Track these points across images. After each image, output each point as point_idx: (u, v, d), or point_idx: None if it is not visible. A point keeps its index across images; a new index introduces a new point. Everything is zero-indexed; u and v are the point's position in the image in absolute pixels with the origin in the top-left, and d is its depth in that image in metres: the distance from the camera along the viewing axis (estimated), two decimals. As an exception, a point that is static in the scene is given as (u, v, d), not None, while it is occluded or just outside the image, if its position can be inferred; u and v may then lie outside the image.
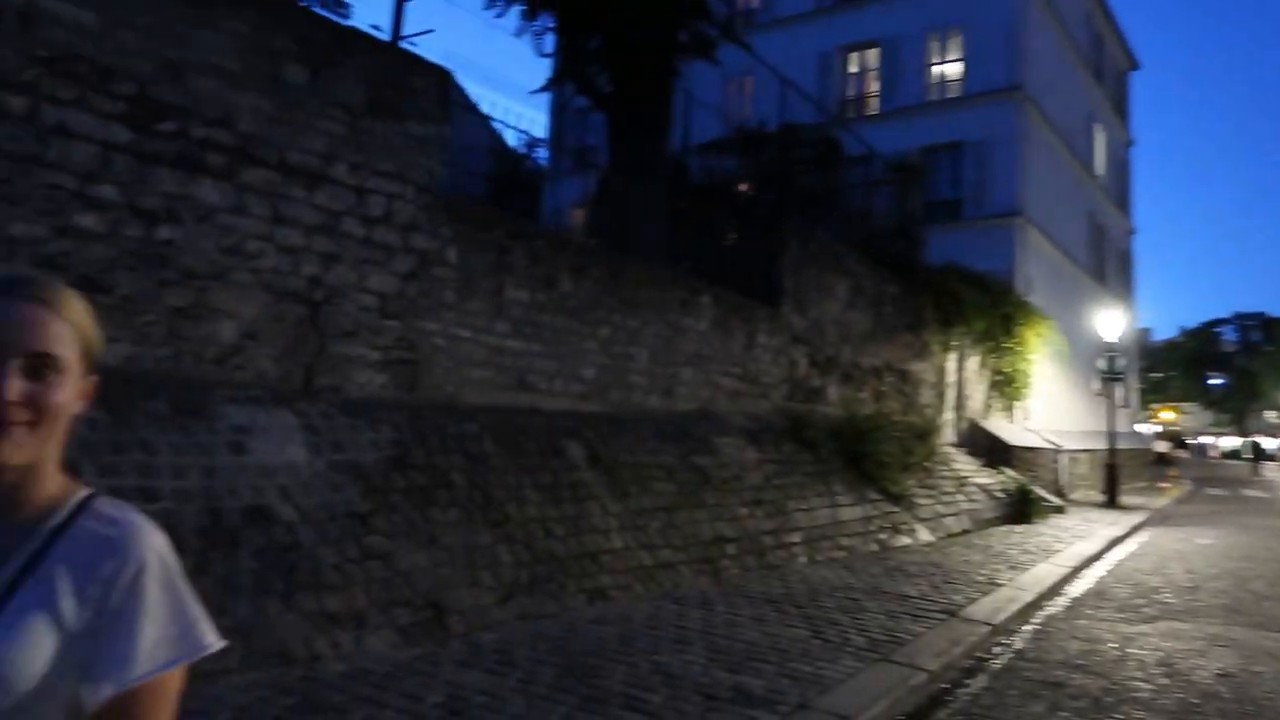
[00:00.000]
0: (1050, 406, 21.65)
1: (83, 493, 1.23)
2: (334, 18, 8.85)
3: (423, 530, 6.18)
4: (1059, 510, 16.30)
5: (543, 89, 15.56)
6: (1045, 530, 13.63)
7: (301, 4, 8.99)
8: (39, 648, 1.10)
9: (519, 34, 12.25)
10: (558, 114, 20.71)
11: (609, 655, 5.54)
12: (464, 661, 5.18)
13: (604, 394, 9.34)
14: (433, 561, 6.03)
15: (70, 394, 1.17)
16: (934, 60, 23.52)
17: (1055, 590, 9.18)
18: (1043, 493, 16.24)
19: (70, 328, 1.17)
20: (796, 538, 9.72)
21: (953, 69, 23.25)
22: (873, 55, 24.51)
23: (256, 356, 6.25)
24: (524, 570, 6.58)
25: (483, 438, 7.40)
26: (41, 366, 1.14)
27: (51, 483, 1.20)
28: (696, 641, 5.99)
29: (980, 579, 8.99)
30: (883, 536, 11.00)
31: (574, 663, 5.32)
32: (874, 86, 24.47)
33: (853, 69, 24.87)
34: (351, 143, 6.76)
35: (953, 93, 23.06)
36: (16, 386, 1.11)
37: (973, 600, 7.87)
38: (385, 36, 7.62)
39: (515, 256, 8.28)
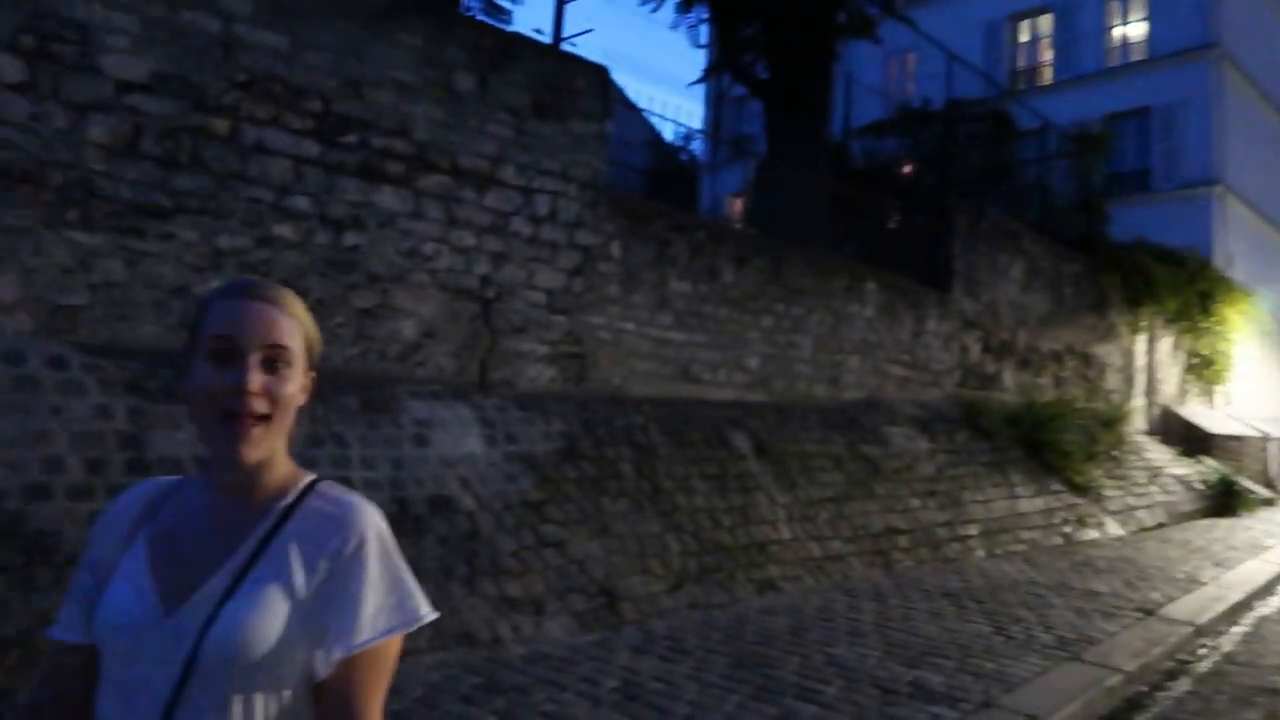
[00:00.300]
0: (1256, 391, 19.88)
1: (309, 477, 1.33)
2: (497, 24, 9.15)
3: (594, 519, 6.33)
4: (1268, 503, 14.97)
5: (699, 80, 15.59)
6: (1253, 525, 12.55)
7: (467, 13, 9.36)
8: (275, 614, 1.20)
9: (674, 26, 12.35)
10: (714, 104, 20.67)
11: (780, 646, 5.50)
12: (637, 648, 5.28)
13: (768, 384, 9.27)
14: (605, 550, 6.16)
15: (298, 387, 1.28)
16: (1114, 22, 21.98)
17: (1268, 590, 8.44)
18: (1249, 484, 14.95)
19: (297, 325, 1.28)
20: (973, 530, 9.35)
21: (1136, 30, 21.65)
22: (1045, 22, 23.14)
23: (435, 353, 6.57)
24: (692, 559, 6.63)
25: (649, 429, 7.49)
26: (275, 360, 1.24)
27: (282, 468, 1.31)
28: (870, 634, 5.87)
29: (1179, 576, 8.38)
30: (1067, 530, 10.43)
31: (745, 652, 5.32)
32: (1047, 55, 23.12)
33: (1023, 38, 23.57)
34: (518, 144, 6.99)
35: (1137, 55, 21.47)
36: (258, 379, 1.22)
37: (1172, 599, 7.35)
38: (547, 39, 7.82)
39: (677, 249, 8.33)
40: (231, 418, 1.22)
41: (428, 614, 1.30)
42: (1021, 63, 23.55)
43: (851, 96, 14.85)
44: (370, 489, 5.38)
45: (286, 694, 1.21)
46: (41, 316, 4.92)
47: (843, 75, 13.20)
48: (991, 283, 12.68)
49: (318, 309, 5.90)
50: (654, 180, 18.59)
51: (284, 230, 5.78)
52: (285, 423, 1.27)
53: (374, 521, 1.30)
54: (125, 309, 5.20)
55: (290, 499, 1.29)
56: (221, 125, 5.51)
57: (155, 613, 1.21)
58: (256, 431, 1.23)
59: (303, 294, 5.83)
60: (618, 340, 7.81)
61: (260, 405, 1.22)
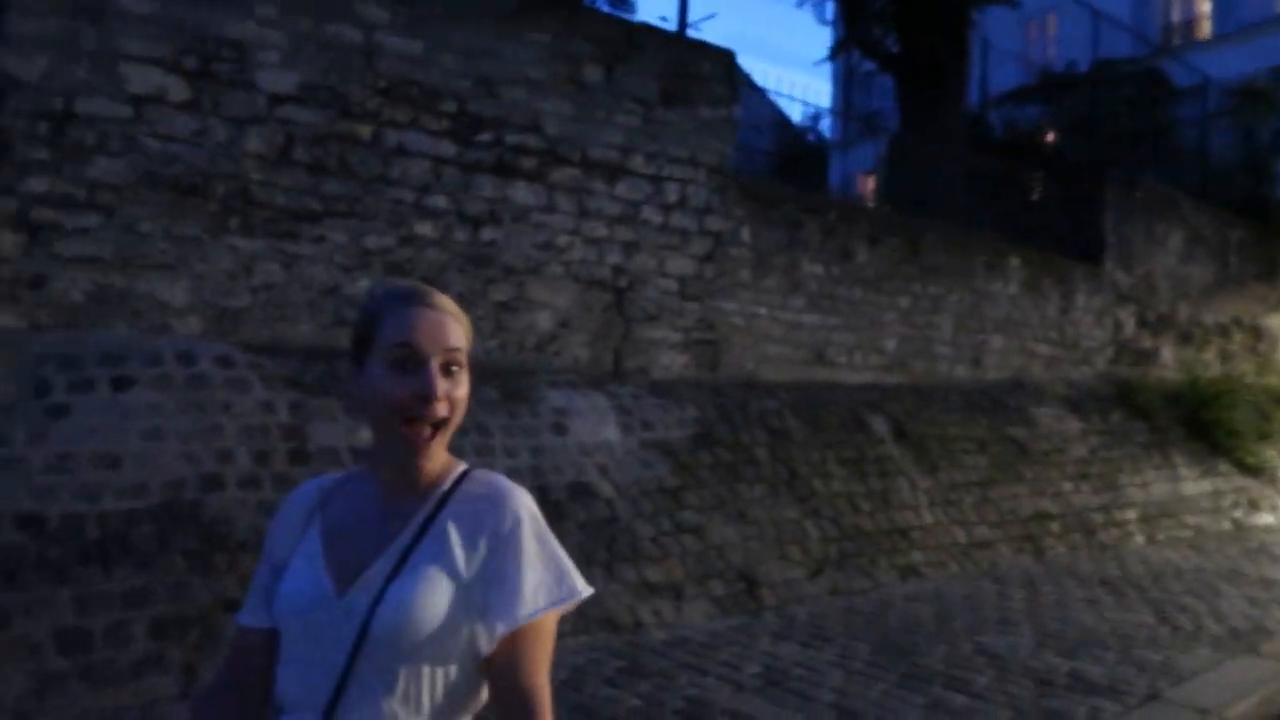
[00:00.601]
0: None
1: (463, 465, 1.39)
2: (622, 15, 9.21)
3: (731, 505, 6.33)
4: None
5: (826, 58, 15.28)
6: None
7: (593, 7, 9.46)
8: (438, 591, 1.26)
9: (800, 4, 12.12)
10: (843, 81, 20.21)
11: (926, 634, 5.37)
12: (778, 634, 5.26)
13: (906, 366, 9.04)
14: (742, 535, 6.16)
15: (469, 387, 1.34)
16: (1282, -34, 20.27)
17: None
18: None
19: (463, 329, 1.34)
20: (1131, 514, 8.87)
21: (1307, -27, 19.91)
22: (1202, -29, 21.58)
23: (570, 343, 6.70)
24: (832, 545, 6.55)
25: (784, 414, 7.43)
26: (451, 364, 1.31)
27: (440, 458, 1.37)
28: (1022, 623, 5.66)
29: (1369, 564, 7.73)
30: (1237, 514, 9.76)
31: (890, 640, 5.22)
32: (1204, 6, 21.55)
33: (1177, -10, 22.06)
34: (646, 134, 7.03)
35: (1308, 1, 19.75)
36: (441, 385, 1.28)
37: (1361, 588, 6.78)
38: (672, 27, 7.82)
39: (808, 231, 8.21)
40: (412, 423, 1.29)
41: (584, 589, 1.34)
42: (1175, 16, 22.04)
43: (988, 64, 14.24)
44: (512, 476, 5.49)
45: (452, 669, 1.28)
46: (210, 318, 5.28)
47: (978, 43, 12.68)
48: (1147, 254, 11.95)
49: (458, 303, 6.11)
50: (782, 162, 18.35)
51: (425, 229, 6.01)
52: (458, 423, 1.33)
53: (527, 503, 1.35)
54: (283, 309, 5.52)
55: (447, 485, 1.35)
56: (365, 130, 5.76)
57: (328, 595, 1.29)
58: (436, 436, 1.30)
59: (444, 289, 6.05)
60: (750, 325, 7.77)
61: (442, 410, 1.29)
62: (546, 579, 1.31)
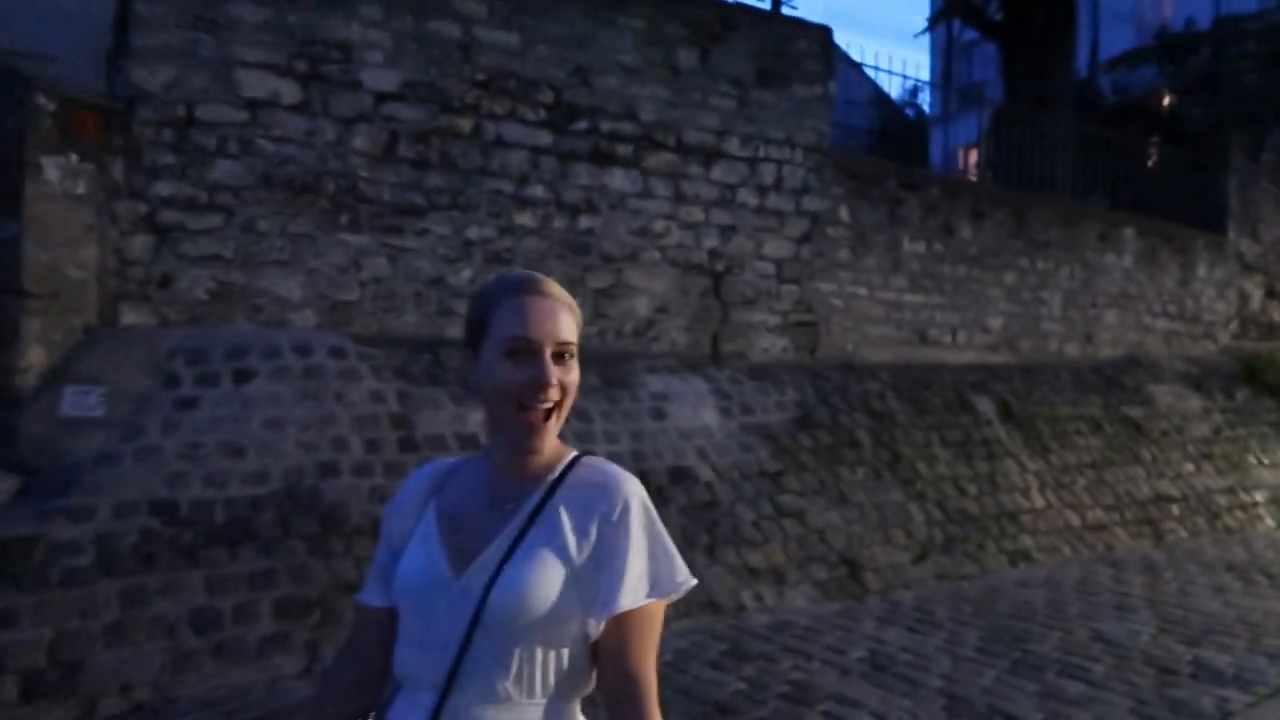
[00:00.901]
0: None
1: (573, 452, 1.43)
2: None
3: (832, 489, 6.27)
4: None
5: (926, 29, 14.84)
6: None
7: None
8: (549, 574, 1.30)
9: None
10: (943, 53, 19.60)
11: (1038, 620, 5.24)
12: (883, 618, 5.20)
13: (1013, 344, 8.77)
14: (844, 519, 6.10)
15: (579, 373, 1.37)
16: None
17: None
18: None
19: (574, 316, 1.37)
20: (1259, 497, 8.44)
21: None
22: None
23: (668, 328, 6.72)
24: (937, 529, 6.42)
25: (886, 395, 7.31)
26: (563, 353, 1.35)
27: (553, 443, 1.41)
28: (1141, 609, 5.46)
29: None
30: (1380, 496, 9.16)
31: (1000, 626, 5.11)
32: (1340, -48, 20.07)
33: (1309, -64, 20.59)
34: (741, 115, 6.98)
35: None
36: (554, 371, 1.32)
37: None
38: (766, 6, 7.74)
39: (909, 208, 8.03)
40: (526, 410, 1.33)
41: (688, 580, 1.36)
42: (1306, -35, 20.59)
43: (1098, 27, 13.61)
44: (613, 461, 5.60)
45: (564, 651, 1.32)
46: (323, 312, 5.50)
47: (1086, 5, 12.12)
48: (1276, 221, 11.28)
49: (558, 291, 6.20)
50: (880, 139, 17.94)
51: (524, 219, 6.11)
52: (569, 408, 1.37)
53: (636, 490, 1.38)
54: (390, 301, 5.70)
55: (559, 471, 1.39)
56: (464, 124, 5.89)
57: (445, 575, 1.34)
58: (549, 422, 1.34)
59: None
60: (850, 306, 7.66)
61: (554, 395, 1.34)
62: (652, 568, 1.33)
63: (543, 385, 1.32)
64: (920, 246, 8.09)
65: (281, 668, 3.91)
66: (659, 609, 1.34)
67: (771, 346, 7.21)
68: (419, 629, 1.36)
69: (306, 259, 5.44)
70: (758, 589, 5.35)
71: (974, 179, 11.50)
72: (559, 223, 6.24)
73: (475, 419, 5.37)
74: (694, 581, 1.37)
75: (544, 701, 1.32)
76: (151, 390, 4.64)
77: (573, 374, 1.36)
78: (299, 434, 4.77)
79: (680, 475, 5.76)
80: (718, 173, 6.91)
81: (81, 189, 4.78)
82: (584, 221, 6.33)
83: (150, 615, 3.85)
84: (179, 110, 5.09)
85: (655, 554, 1.34)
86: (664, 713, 1.32)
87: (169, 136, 5.07)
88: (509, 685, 1.29)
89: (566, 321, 1.36)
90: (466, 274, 5.93)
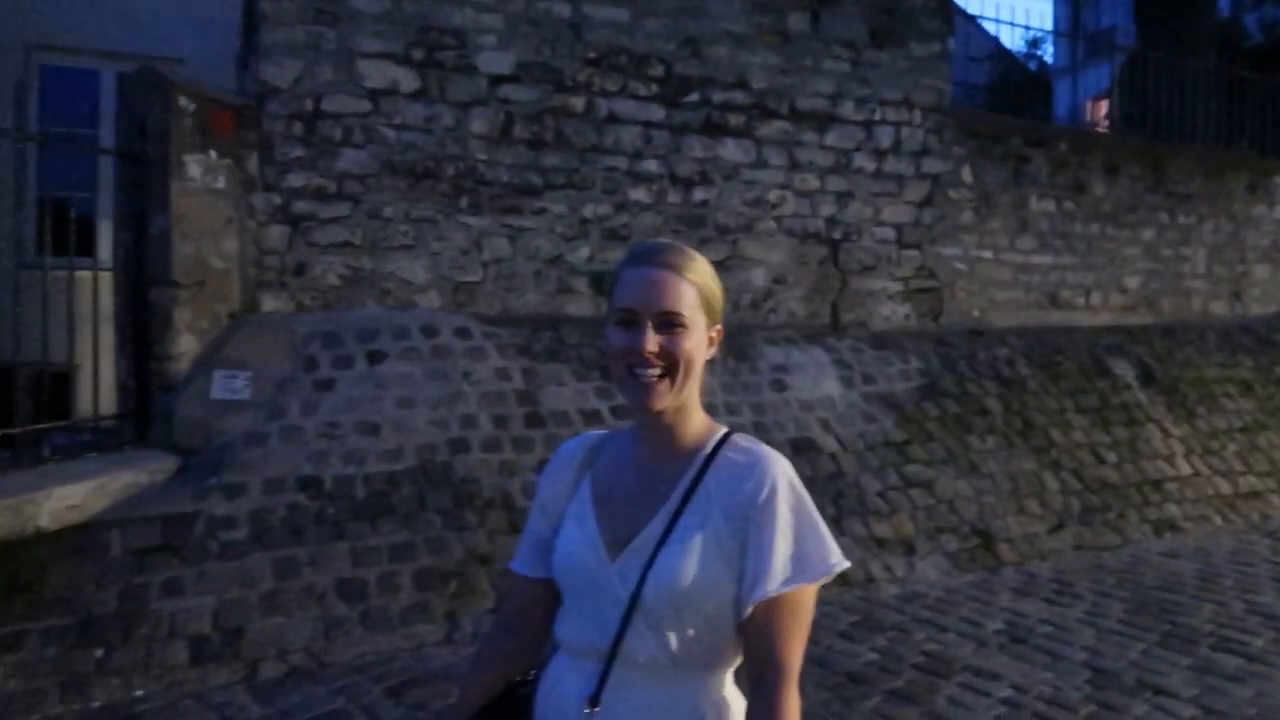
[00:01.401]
0: None
1: (722, 430, 1.43)
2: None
3: (961, 458, 6.10)
4: None
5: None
6: None
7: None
8: (702, 560, 1.31)
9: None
10: None
11: (1188, 592, 4.98)
12: (1019, 590, 5.04)
13: (1153, 304, 8.31)
14: (975, 489, 5.93)
15: (694, 344, 1.36)
16: None
17: None
18: None
19: (693, 288, 1.36)
20: None
21: None
22: None
23: (786, 299, 6.64)
24: (1074, 499, 6.17)
25: (1015, 361, 7.05)
26: (669, 322, 1.34)
27: (698, 421, 1.41)
28: (1303, 582, 5.13)
29: None
30: None
31: (1146, 598, 4.89)
32: None
33: None
34: (856, 78, 6.80)
35: None
36: (653, 340, 1.33)
37: None
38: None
39: (1035, 165, 7.68)
40: (635, 376, 1.34)
41: (839, 564, 1.34)
42: None
43: (1241, -39, 12.68)
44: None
45: (718, 628, 1.33)
46: (447, 293, 5.65)
47: (1229, -62, 11.30)
48: None
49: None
50: (1000, 95, 17.22)
51: (639, 194, 6.12)
52: (687, 377, 1.36)
53: (784, 470, 1.36)
54: (511, 281, 5.82)
55: (708, 450, 1.39)
56: (577, 102, 5.93)
57: (602, 556, 1.37)
58: (659, 385, 1.34)
59: (659, 252, 6.16)
60: (975, 270, 7.40)
61: (656, 363, 1.33)
62: (800, 552, 1.31)
63: (638, 352, 1.32)
64: (1049, 205, 7.74)
65: (424, 635, 4.07)
66: (808, 593, 1.32)
67: (893, 314, 7.04)
68: (579, 604, 1.41)
69: (430, 242, 5.59)
70: (886, 560, 5.26)
71: (1106, 131, 10.91)
72: (673, 196, 6.23)
73: (597, 394, 5.44)
74: (846, 564, 1.35)
75: (700, 672, 1.35)
76: (291, 373, 4.88)
77: (684, 343, 1.34)
78: (429, 412, 4.93)
79: (803, 447, 5.70)
80: (832, 138, 6.76)
81: (221, 184, 5.04)
82: (698, 194, 6.30)
83: (301, 585, 4.06)
84: (306, 104, 5.29)
85: (804, 536, 1.32)
86: (798, 683, 1.31)
87: (298, 130, 5.28)
88: (666, 659, 1.33)
89: (676, 291, 1.34)
90: (584, 252, 5.99)
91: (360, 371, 4.98)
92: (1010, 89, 17.47)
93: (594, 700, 1.34)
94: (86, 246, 6.48)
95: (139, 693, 3.59)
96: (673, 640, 1.32)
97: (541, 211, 5.86)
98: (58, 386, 5.76)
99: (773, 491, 1.32)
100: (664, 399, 1.35)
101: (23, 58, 7.15)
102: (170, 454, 4.47)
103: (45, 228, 4.96)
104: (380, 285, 5.48)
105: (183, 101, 4.89)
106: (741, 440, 1.41)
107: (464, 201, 5.66)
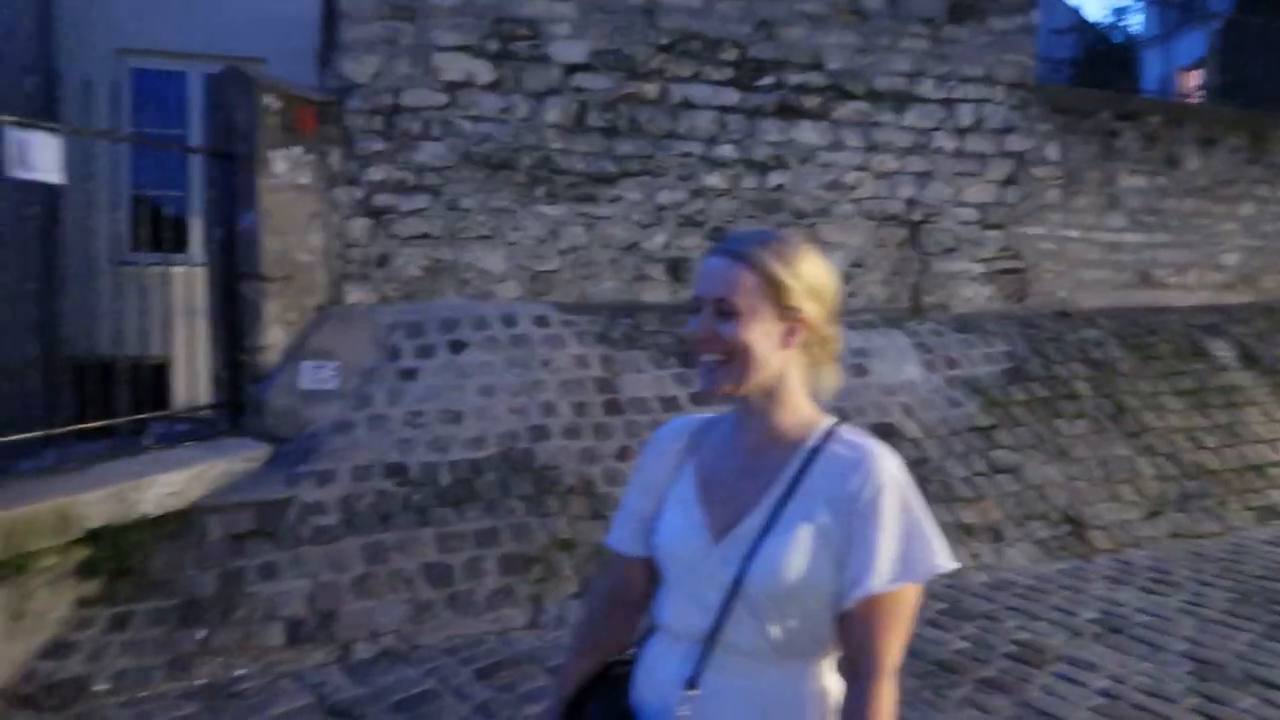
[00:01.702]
0: None
1: (829, 420, 1.40)
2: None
3: (1050, 443, 5.93)
4: None
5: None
6: None
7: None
8: (804, 552, 1.30)
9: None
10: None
11: (1297, 581, 4.77)
12: (1114, 578, 4.88)
13: (1253, 281, 7.96)
14: (1064, 475, 5.76)
15: (755, 333, 1.33)
16: None
17: None
18: None
19: (756, 275, 1.33)
20: None
21: None
22: None
23: (865, 282, 6.53)
24: (1171, 485, 5.95)
25: (1105, 343, 6.82)
26: (726, 311, 1.33)
27: (801, 411, 1.39)
28: None
29: None
30: None
31: (1251, 587, 4.69)
32: None
33: None
34: (934, 56, 6.64)
35: None
36: (710, 327, 1.33)
37: None
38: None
39: (1125, 140, 7.41)
40: (699, 359, 1.37)
41: (944, 565, 1.30)
42: None
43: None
44: (815, 420, 5.52)
45: (819, 618, 1.31)
46: (525, 282, 5.70)
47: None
48: None
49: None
50: (1084, 68, 16.64)
51: (714, 179, 6.08)
52: (749, 366, 1.34)
53: (889, 467, 1.32)
54: (588, 269, 5.84)
55: (813, 442, 1.37)
56: (652, 89, 5.91)
57: (705, 543, 1.37)
58: (718, 372, 1.35)
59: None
60: (1061, 250, 7.18)
61: (709, 349, 1.34)
62: (904, 551, 1.29)
63: (693, 339, 1.36)
64: (1140, 181, 7.46)
65: (509, 620, 4.12)
66: (911, 592, 1.30)
67: (975, 296, 6.87)
68: (680, 587, 1.41)
69: (507, 232, 5.64)
70: (974, 547, 5.15)
71: (1200, 102, 10.47)
72: (749, 181, 6.18)
73: (675, 381, 5.44)
74: (954, 565, 1.31)
75: (799, 661, 1.34)
76: (376, 363, 4.98)
77: (739, 331, 1.32)
78: (510, 400, 4.98)
79: (885, 432, 5.60)
80: (911, 118, 6.61)
81: (305, 179, 5.16)
82: (774, 178, 6.24)
83: (390, 569, 4.15)
84: (386, 98, 5.38)
85: (910, 534, 1.30)
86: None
87: (378, 124, 5.37)
88: (766, 647, 1.33)
89: (731, 279, 1.34)
90: (660, 239, 5.98)
91: (442, 361, 5.06)
92: (1095, 61, 16.87)
93: (693, 684, 1.33)
94: (179, 244, 6.71)
95: (239, 672, 3.72)
96: (773, 629, 1.31)
97: (617, 199, 5.87)
98: (155, 379, 5.98)
99: (879, 488, 1.30)
100: (724, 385, 1.36)
101: (114, 62, 7.42)
102: (262, 442, 4.61)
103: (139, 226, 5.14)
104: (460, 275, 5.56)
105: (268, 100, 5.02)
106: (848, 434, 1.38)
107: (540, 191, 5.69)
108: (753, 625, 1.31)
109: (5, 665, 3.55)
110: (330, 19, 5.54)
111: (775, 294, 1.35)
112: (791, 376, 1.38)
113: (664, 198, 5.97)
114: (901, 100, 6.56)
